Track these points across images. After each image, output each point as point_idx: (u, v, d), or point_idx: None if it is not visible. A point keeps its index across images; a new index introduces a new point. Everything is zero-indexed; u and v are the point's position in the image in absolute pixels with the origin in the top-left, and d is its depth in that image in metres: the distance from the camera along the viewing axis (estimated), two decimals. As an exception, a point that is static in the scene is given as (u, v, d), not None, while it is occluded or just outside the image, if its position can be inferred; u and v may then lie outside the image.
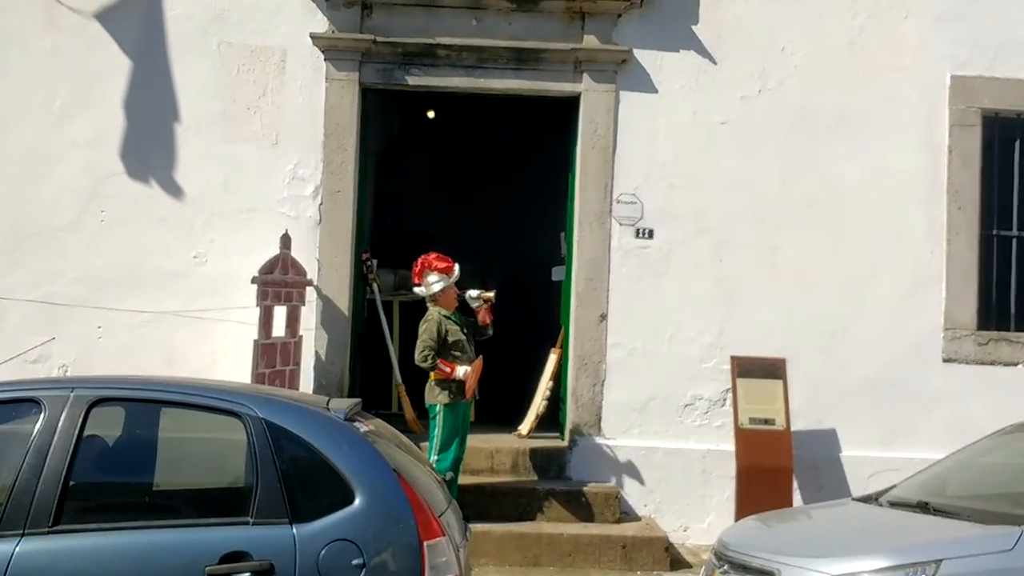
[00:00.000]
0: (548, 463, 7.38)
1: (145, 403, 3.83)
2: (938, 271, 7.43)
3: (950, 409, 7.26)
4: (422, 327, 6.60)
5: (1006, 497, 4.94)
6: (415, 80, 7.55)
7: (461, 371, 6.52)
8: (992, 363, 7.40)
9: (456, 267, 6.73)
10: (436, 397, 6.55)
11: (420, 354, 6.52)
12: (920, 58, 7.50)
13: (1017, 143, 7.61)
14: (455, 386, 6.54)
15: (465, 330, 6.72)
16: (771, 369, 7.14)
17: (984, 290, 7.48)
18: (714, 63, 7.50)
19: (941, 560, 4.07)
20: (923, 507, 4.72)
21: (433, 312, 6.63)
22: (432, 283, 6.66)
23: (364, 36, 7.43)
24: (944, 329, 7.43)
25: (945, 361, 7.40)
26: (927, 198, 7.46)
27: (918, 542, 4.29)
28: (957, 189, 7.46)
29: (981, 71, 7.48)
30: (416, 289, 6.81)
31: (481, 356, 6.78)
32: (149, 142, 7.43)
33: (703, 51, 7.50)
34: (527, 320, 9.88)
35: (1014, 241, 7.58)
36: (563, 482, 7.25)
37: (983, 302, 7.47)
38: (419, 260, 6.78)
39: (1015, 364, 7.42)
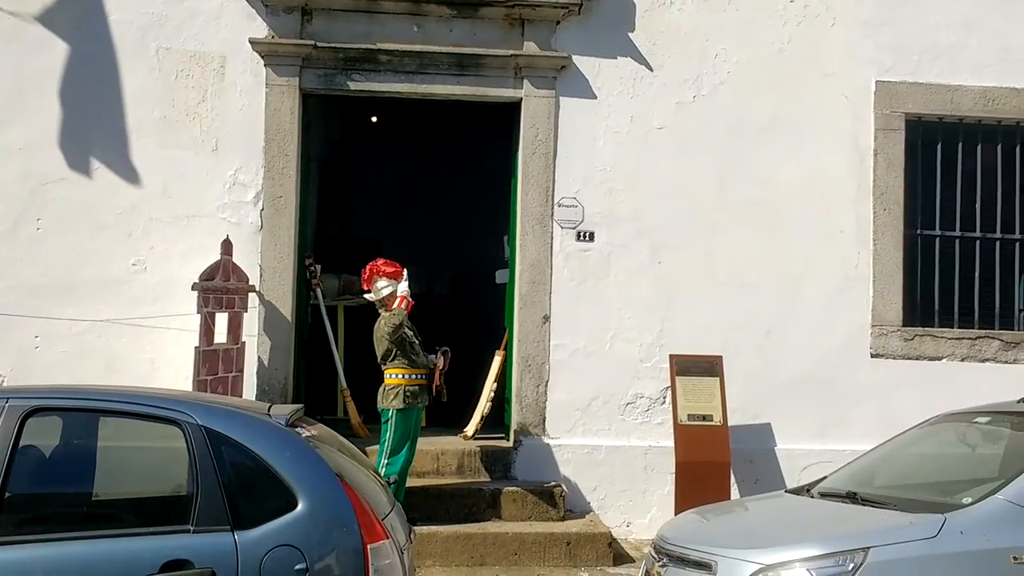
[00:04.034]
0: (493, 463, 7.46)
1: (82, 412, 3.79)
2: (866, 270, 7.67)
3: (878, 402, 7.52)
4: (381, 323, 6.62)
5: (931, 486, 5.11)
6: (357, 85, 7.57)
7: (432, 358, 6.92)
8: (917, 358, 7.67)
9: (404, 272, 6.79)
10: (390, 402, 6.60)
11: (393, 334, 6.54)
12: (847, 64, 7.73)
13: (939, 146, 7.88)
14: (409, 392, 6.59)
15: (418, 336, 6.81)
16: (708, 367, 7.32)
17: (909, 288, 7.74)
18: (651, 70, 7.66)
19: (869, 548, 4.18)
20: (852, 497, 4.85)
21: (390, 318, 6.64)
22: (381, 288, 6.73)
23: (304, 41, 7.44)
24: (872, 326, 7.67)
25: (873, 356, 7.65)
26: (855, 199, 7.70)
27: (847, 531, 4.42)
28: (883, 191, 7.71)
29: (905, 77, 7.75)
30: (366, 295, 6.86)
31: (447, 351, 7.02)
32: (86, 148, 7.33)
33: (640, 58, 7.65)
34: (472, 322, 9.95)
35: (937, 240, 7.85)
36: (508, 482, 7.33)
37: (908, 299, 7.73)
38: (367, 267, 6.84)
39: (939, 358, 7.70)
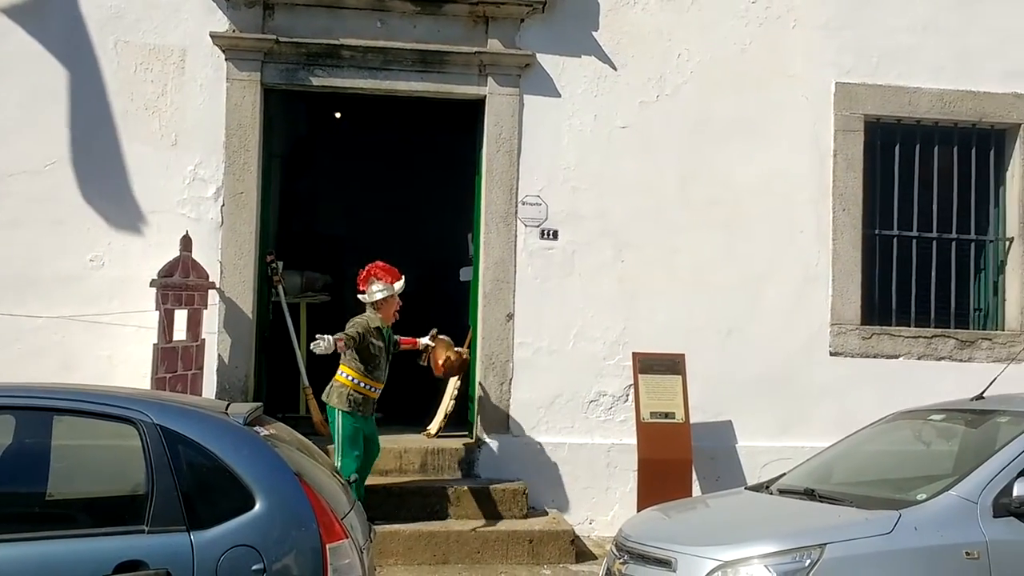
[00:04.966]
0: (457, 462, 7.45)
1: (36, 411, 3.72)
2: (825, 269, 7.76)
3: (837, 400, 7.61)
4: (349, 324, 6.60)
5: (886, 483, 5.19)
6: (319, 81, 7.52)
7: (423, 341, 7.07)
8: (875, 356, 7.77)
9: (402, 279, 6.76)
10: (331, 399, 6.57)
11: (350, 329, 6.51)
12: (807, 65, 7.80)
13: (897, 147, 8.00)
14: (352, 397, 6.52)
15: (389, 350, 6.75)
16: (671, 365, 7.36)
17: (867, 287, 7.84)
18: (614, 68, 7.68)
19: (826, 544, 4.23)
20: (810, 494, 4.89)
21: (363, 319, 6.63)
22: (375, 291, 6.70)
23: (266, 36, 7.36)
24: (831, 324, 7.76)
25: (832, 355, 7.74)
26: (815, 200, 7.78)
27: (804, 527, 4.46)
28: (842, 191, 7.80)
29: (864, 78, 7.84)
30: (360, 296, 6.82)
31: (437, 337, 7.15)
32: (43, 143, 7.20)
33: (604, 57, 7.67)
34: (436, 320, 9.91)
35: (895, 240, 7.97)
36: (472, 480, 7.32)
37: (866, 298, 7.83)
38: (366, 268, 6.81)
39: (896, 357, 7.82)
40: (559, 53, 7.64)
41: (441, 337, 7.23)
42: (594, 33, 7.67)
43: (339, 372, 6.63)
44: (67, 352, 7.10)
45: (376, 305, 6.70)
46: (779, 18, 7.81)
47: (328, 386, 6.65)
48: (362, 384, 6.57)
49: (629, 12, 7.71)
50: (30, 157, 7.19)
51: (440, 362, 7.15)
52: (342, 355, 6.60)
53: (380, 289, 6.68)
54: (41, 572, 3.37)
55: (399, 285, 6.73)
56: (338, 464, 6.43)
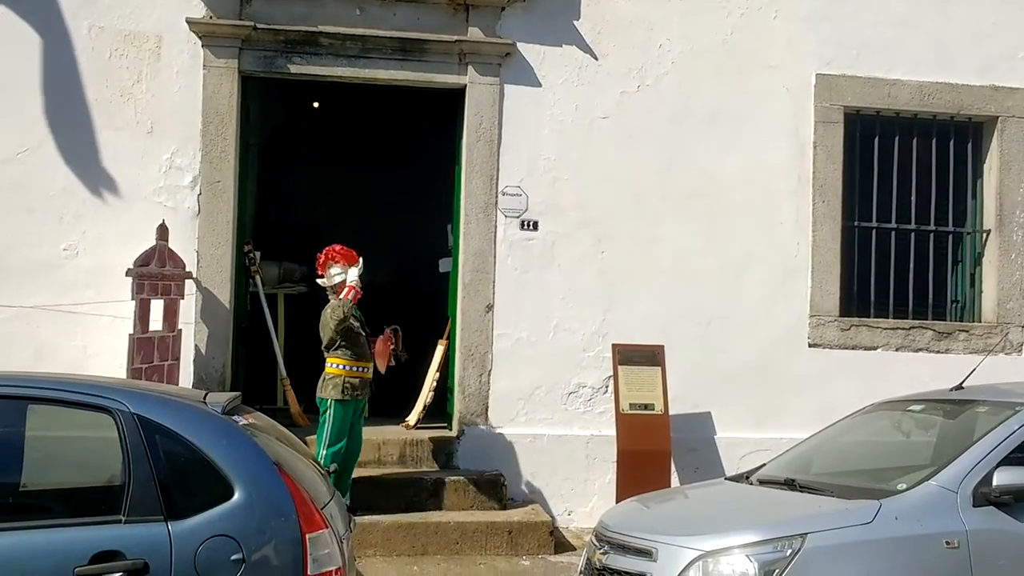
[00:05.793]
0: (436, 453, 7.42)
1: (10, 399, 3.65)
2: (804, 261, 7.78)
3: (816, 391, 7.63)
4: (328, 312, 6.55)
5: (866, 473, 5.20)
6: (297, 68, 7.44)
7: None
8: (854, 347, 7.82)
9: (360, 260, 6.71)
10: (328, 392, 6.54)
11: (338, 326, 6.44)
12: (788, 56, 7.81)
13: (876, 139, 8.04)
14: (349, 383, 6.51)
15: (365, 328, 6.75)
16: (651, 356, 7.36)
17: (846, 278, 7.89)
18: (595, 58, 7.65)
19: (807, 534, 4.24)
20: (790, 484, 4.90)
21: (336, 303, 6.59)
22: (334, 275, 6.68)
23: (243, 22, 7.27)
24: (810, 316, 7.79)
25: (811, 346, 7.77)
26: (795, 191, 7.80)
27: (785, 517, 4.47)
28: (822, 183, 7.83)
29: (844, 70, 7.86)
30: (319, 280, 6.78)
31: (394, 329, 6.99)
32: (15, 128, 7.08)
33: (584, 46, 7.64)
34: (415, 311, 9.87)
35: (873, 232, 8.01)
36: (451, 471, 7.29)
37: (845, 290, 7.87)
38: (324, 251, 6.76)
39: (875, 348, 7.86)
40: (540, 42, 7.60)
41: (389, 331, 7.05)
42: (575, 22, 7.64)
43: (329, 364, 6.61)
44: (41, 342, 7.00)
45: (336, 289, 6.66)
46: (760, 9, 7.81)
47: (320, 381, 6.62)
48: (353, 368, 6.59)
49: (610, 1, 7.68)
50: (2, 144, 7.06)
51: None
52: (326, 350, 6.56)
53: (338, 272, 6.67)
54: (16, 563, 3.31)
55: (352, 275, 6.64)
56: (321, 453, 6.40)
